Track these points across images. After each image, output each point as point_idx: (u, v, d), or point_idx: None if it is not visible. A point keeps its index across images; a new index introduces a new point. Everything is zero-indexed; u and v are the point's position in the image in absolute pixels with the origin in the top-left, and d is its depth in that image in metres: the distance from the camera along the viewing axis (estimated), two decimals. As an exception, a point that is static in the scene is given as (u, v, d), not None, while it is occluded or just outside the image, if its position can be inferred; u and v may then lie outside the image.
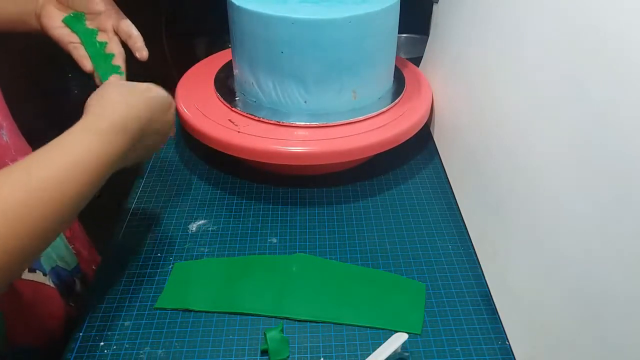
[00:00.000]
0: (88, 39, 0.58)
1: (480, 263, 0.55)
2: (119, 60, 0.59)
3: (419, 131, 0.67)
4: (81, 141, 0.43)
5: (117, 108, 0.47)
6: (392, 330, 0.48)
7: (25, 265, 0.42)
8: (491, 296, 0.52)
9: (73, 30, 0.58)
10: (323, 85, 0.63)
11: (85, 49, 0.58)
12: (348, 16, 0.59)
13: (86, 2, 0.58)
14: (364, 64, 0.63)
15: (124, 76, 0.58)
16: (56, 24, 0.58)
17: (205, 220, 0.61)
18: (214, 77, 0.73)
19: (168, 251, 0.57)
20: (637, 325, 0.33)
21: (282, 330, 0.47)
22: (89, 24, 0.59)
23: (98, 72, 0.57)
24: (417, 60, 0.81)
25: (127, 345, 0.47)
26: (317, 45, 0.60)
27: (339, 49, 0.61)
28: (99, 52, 0.58)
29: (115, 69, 0.58)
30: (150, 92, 0.51)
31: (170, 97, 0.53)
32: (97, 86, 0.51)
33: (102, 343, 0.48)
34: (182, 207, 0.63)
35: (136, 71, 0.70)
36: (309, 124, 0.63)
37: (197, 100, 0.68)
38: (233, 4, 0.63)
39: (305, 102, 0.64)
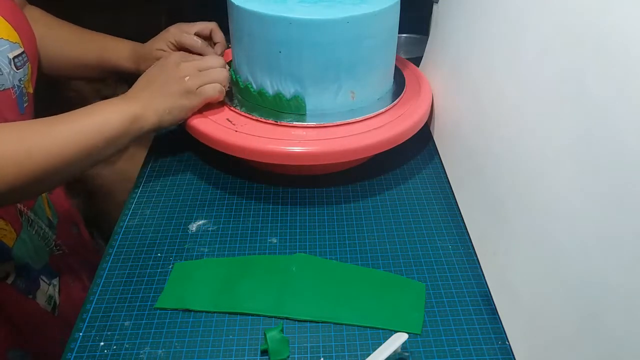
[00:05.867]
0: None
1: (480, 263, 0.55)
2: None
3: (419, 131, 0.67)
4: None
5: (135, 86, 0.60)
6: (392, 330, 0.48)
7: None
8: (491, 296, 0.52)
9: None
10: (321, 86, 0.63)
11: None
12: (346, 17, 0.59)
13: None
14: (363, 65, 0.63)
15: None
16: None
17: (205, 220, 0.61)
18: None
19: (168, 251, 0.57)
20: (637, 325, 0.33)
21: (282, 330, 0.47)
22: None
23: None
24: (417, 60, 0.81)
25: (127, 345, 0.47)
26: (314, 46, 0.60)
27: (337, 50, 0.61)
28: None
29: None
30: (164, 59, 0.63)
31: (176, 55, 0.64)
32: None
33: (102, 343, 0.48)
34: (182, 207, 0.63)
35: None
36: (307, 124, 0.63)
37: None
38: (232, 3, 0.63)
39: (304, 102, 0.64)
